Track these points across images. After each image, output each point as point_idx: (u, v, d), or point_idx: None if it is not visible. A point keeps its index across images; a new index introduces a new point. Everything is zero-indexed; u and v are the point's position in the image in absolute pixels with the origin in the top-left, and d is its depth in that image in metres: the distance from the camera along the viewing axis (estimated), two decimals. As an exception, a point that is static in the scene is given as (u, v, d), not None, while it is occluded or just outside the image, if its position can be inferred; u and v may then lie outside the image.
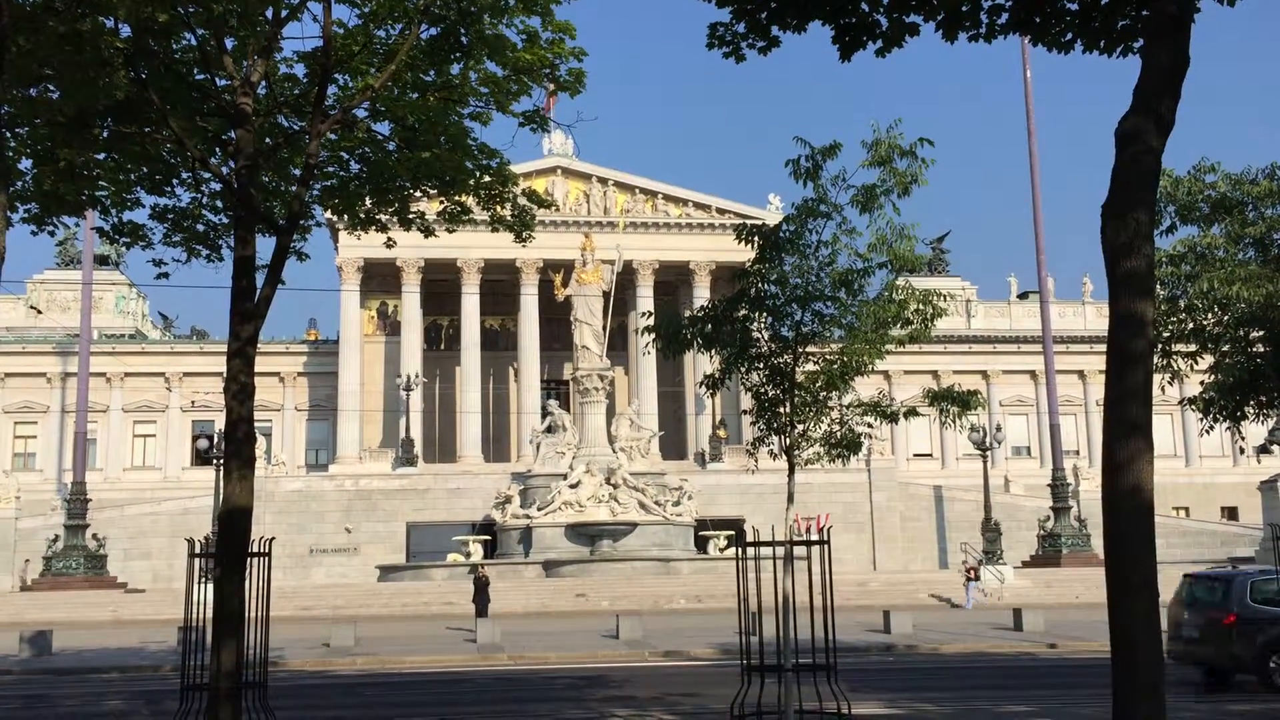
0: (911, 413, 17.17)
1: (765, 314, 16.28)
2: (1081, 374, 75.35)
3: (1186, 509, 71.44)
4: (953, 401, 16.76)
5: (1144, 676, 9.19)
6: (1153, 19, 10.12)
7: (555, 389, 70.05)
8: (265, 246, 13.62)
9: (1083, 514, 55.30)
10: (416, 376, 66.54)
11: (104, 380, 68.76)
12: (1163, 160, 9.99)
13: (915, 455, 74.01)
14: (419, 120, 14.33)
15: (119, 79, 12.30)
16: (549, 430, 57.72)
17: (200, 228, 15.53)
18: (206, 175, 14.42)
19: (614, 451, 54.74)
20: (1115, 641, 9.43)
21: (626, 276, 66.60)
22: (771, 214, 61.03)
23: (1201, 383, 23.27)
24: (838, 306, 16.17)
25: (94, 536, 52.00)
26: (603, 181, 71.91)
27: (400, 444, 65.34)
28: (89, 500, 51.70)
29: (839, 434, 16.88)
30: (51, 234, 15.71)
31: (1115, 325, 9.67)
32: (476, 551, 52.10)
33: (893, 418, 17.08)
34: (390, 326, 72.69)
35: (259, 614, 12.16)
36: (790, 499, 16.63)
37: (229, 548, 12.17)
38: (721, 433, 69.80)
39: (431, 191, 15.62)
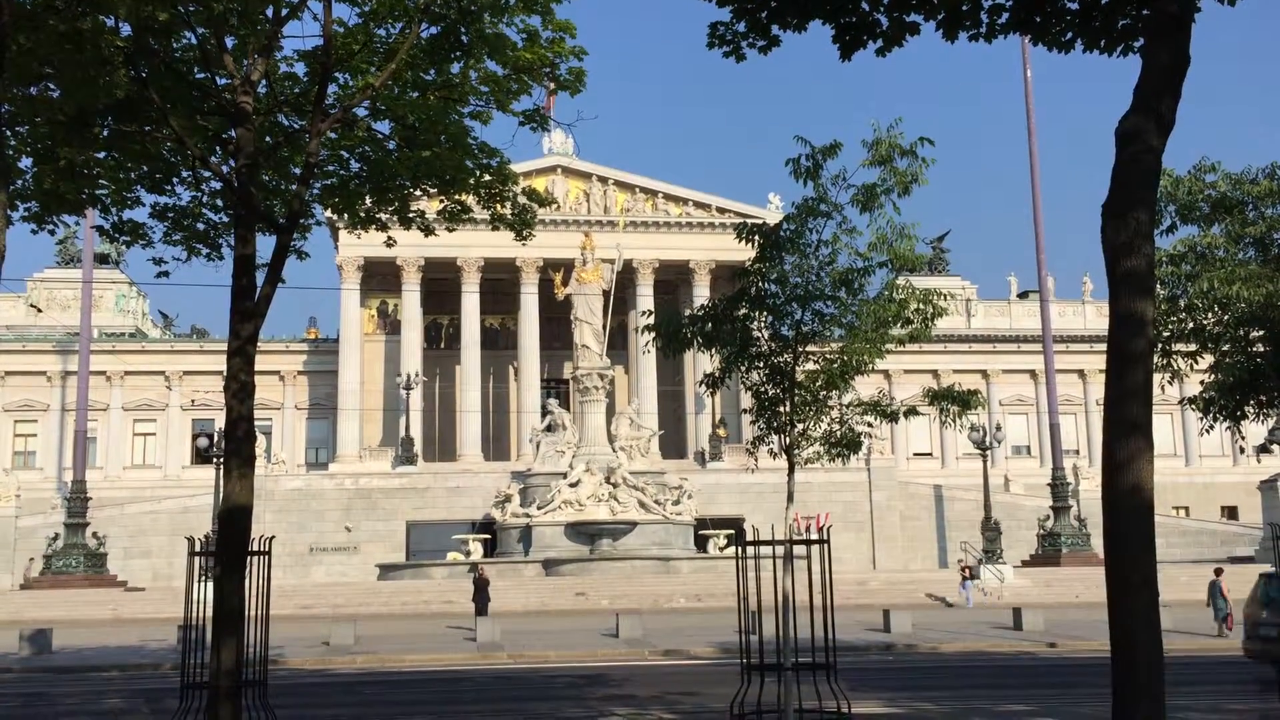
0: (911, 412, 17.19)
1: (765, 313, 16.29)
2: (1081, 373, 75.35)
3: (1186, 508, 71.46)
4: (953, 401, 16.77)
5: (1144, 676, 9.19)
6: (1153, 18, 10.12)
7: (555, 388, 70.07)
8: (265, 245, 13.64)
9: (1083, 513, 55.31)
10: (416, 375, 66.55)
11: (104, 379, 68.76)
12: (1163, 160, 9.99)
13: (915, 454, 74.00)
14: (419, 119, 14.33)
15: (119, 78, 12.29)
16: (549, 429, 57.73)
17: (200, 226, 15.53)
18: (207, 174, 14.43)
19: (614, 450, 54.74)
20: (1115, 641, 9.42)
21: (626, 275, 66.60)
22: (772, 213, 60.97)
23: (1201, 382, 23.26)
24: (838, 306, 16.18)
25: (94, 535, 52.00)
26: (603, 180, 71.90)
27: (400, 443, 65.35)
28: (89, 499, 51.70)
29: (839, 433, 16.89)
30: (52, 233, 15.71)
31: (1115, 325, 9.67)
32: (476, 550, 52.12)
33: (893, 417, 17.09)
34: (390, 325, 72.69)
35: (259, 612, 12.15)
36: (790, 498, 16.63)
37: (229, 546, 12.17)
38: (721, 432, 69.80)
39: (432, 190, 15.62)
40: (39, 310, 69.26)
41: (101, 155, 14.18)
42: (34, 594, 47.25)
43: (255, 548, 12.28)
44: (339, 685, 23.13)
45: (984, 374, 74.84)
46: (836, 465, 19.10)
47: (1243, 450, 69.28)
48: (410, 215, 16.05)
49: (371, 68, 13.88)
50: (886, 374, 68.79)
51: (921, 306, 16.27)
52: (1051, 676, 22.79)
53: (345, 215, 16.17)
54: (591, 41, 15.16)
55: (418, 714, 18.57)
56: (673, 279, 73.11)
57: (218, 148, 14.12)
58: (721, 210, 72.06)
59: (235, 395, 12.44)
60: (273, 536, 13.54)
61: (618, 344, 68.67)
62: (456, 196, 15.79)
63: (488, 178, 15.56)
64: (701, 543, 53.75)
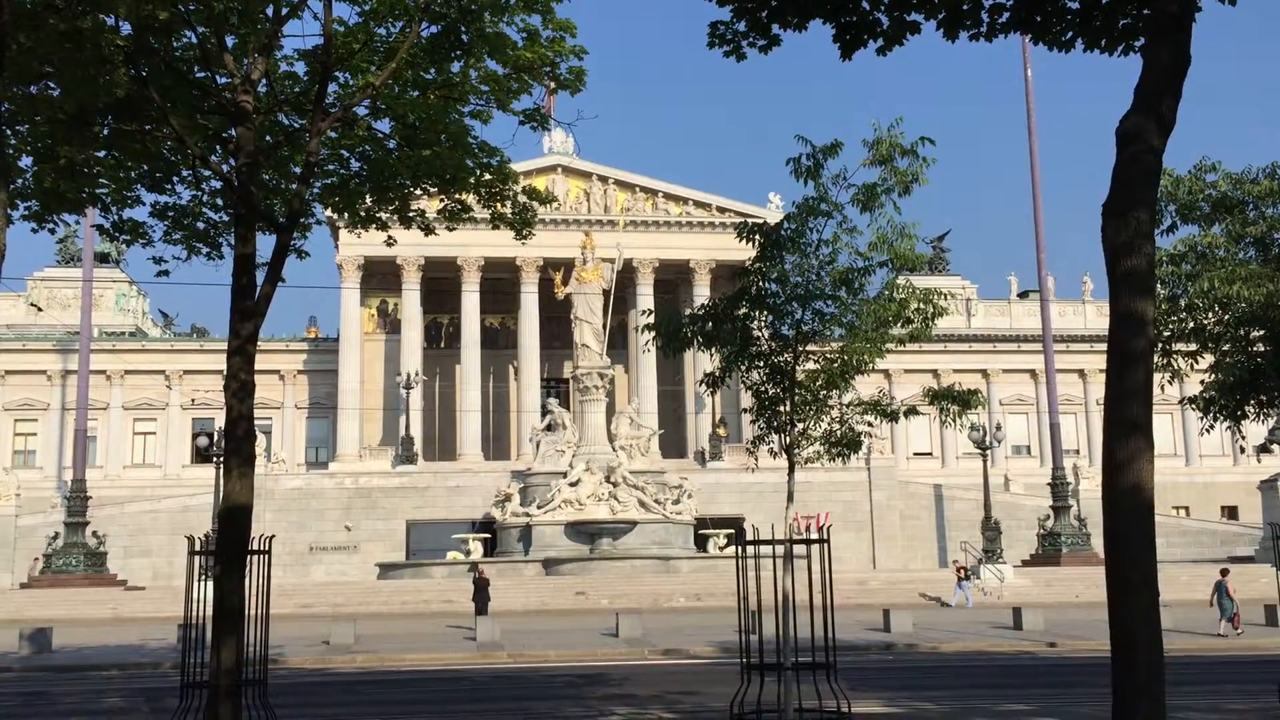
0: (911, 411, 17.19)
1: (766, 312, 16.28)
2: (1082, 373, 75.33)
3: (1186, 508, 71.46)
4: (953, 400, 16.76)
5: (1144, 676, 9.19)
6: (1154, 18, 10.12)
7: (555, 387, 70.07)
8: (265, 244, 13.64)
9: (1083, 513, 55.30)
10: (416, 374, 66.55)
11: (104, 378, 68.75)
12: (1163, 159, 9.99)
13: (915, 454, 73.98)
14: (419, 118, 14.32)
15: (119, 77, 12.29)
16: (549, 428, 57.74)
17: (200, 225, 15.52)
18: (207, 173, 14.41)
19: (614, 450, 54.75)
20: (1115, 640, 9.43)
21: (627, 275, 66.59)
22: (772, 213, 60.96)
23: (1202, 382, 23.23)
24: (838, 305, 16.18)
25: (94, 534, 51.97)
26: (603, 180, 71.89)
27: (400, 442, 65.35)
28: (89, 497, 51.69)
29: (839, 433, 16.88)
30: (52, 232, 15.70)
31: (1116, 324, 9.67)
32: (476, 549, 52.11)
33: (893, 416, 17.08)
34: (390, 324, 72.69)
35: (259, 611, 12.16)
36: (790, 497, 16.63)
37: (229, 545, 12.17)
38: (721, 431, 69.80)
39: (432, 190, 15.61)
40: (39, 309, 69.24)
41: (101, 154, 14.16)
42: (34, 593, 47.27)
43: (255, 547, 12.29)
44: (339, 684, 23.13)
45: (984, 373, 74.83)
46: (836, 465, 19.09)
47: (1243, 450, 69.28)
48: (410, 214, 16.04)
49: (372, 67, 13.87)
50: (886, 373, 68.75)
51: (922, 306, 16.27)
52: (1051, 676, 22.79)
53: (345, 214, 16.17)
54: (591, 41, 15.17)
55: (418, 713, 18.57)
56: (673, 278, 73.10)
57: (218, 147, 14.11)
58: (722, 210, 72.06)
59: (235, 394, 12.44)
60: (273, 536, 13.54)
61: (618, 343, 68.67)
62: (457, 196, 15.77)
63: (488, 177, 15.56)
64: (701, 542, 53.74)
